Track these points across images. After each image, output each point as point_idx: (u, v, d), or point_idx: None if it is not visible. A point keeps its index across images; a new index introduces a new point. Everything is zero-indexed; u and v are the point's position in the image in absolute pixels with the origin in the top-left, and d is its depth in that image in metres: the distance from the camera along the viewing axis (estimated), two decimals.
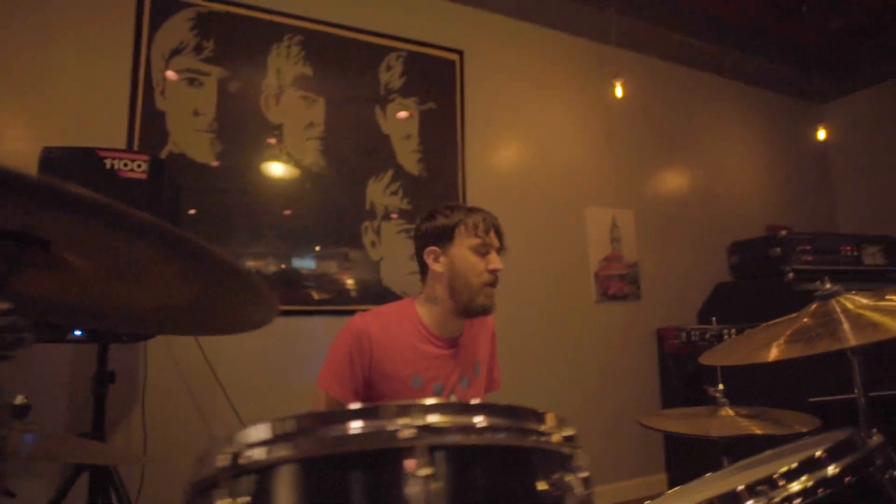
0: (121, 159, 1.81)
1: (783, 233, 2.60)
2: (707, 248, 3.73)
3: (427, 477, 0.42)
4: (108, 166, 1.79)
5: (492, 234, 1.44)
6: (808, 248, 2.31)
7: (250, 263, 2.60)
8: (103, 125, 2.34)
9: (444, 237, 1.43)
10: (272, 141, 2.69)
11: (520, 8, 3.38)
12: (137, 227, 0.52)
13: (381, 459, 0.45)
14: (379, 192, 2.91)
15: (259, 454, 0.46)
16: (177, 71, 2.54)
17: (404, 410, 0.45)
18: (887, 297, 0.93)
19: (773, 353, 0.94)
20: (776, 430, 1.16)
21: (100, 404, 1.81)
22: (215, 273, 0.59)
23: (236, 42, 2.67)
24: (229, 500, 0.45)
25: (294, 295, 2.65)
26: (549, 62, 3.52)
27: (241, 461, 0.47)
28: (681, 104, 3.98)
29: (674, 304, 3.53)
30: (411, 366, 1.40)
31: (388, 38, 3.03)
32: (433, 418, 0.45)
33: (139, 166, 1.84)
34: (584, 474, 0.53)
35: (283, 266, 2.65)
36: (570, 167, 3.49)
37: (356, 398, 1.36)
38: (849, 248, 2.40)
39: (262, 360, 2.51)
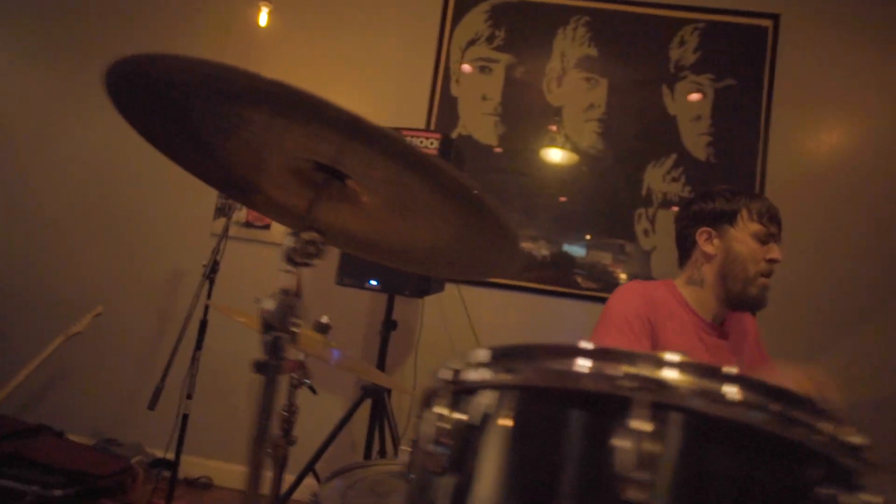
0: (418, 137, 2.09)
1: None
2: None
3: (641, 433, 0.36)
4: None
5: (776, 225, 1.33)
6: None
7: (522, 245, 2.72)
8: (410, 108, 2.73)
9: (722, 219, 1.34)
10: (552, 127, 2.75)
11: None
12: (419, 161, 0.58)
13: (598, 404, 0.40)
14: (658, 178, 2.71)
15: (478, 375, 0.47)
16: (470, 60, 2.78)
17: (636, 359, 0.40)
18: None
19: None
20: None
21: (384, 345, 2.14)
22: (477, 213, 0.63)
23: (525, 29, 2.80)
24: (446, 410, 0.47)
25: (560, 278, 2.67)
26: (889, 20, 2.73)
27: (461, 377, 0.48)
28: None
29: None
30: (683, 346, 1.30)
31: (685, 9, 2.77)
32: (669, 374, 0.38)
33: (432, 144, 2.09)
34: (875, 499, 0.38)
35: (553, 250, 2.69)
36: None
37: None
38: None
39: (520, 331, 2.61)
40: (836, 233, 2.64)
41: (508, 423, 0.44)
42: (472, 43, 2.81)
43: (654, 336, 1.27)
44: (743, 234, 1.32)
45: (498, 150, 2.74)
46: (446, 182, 0.59)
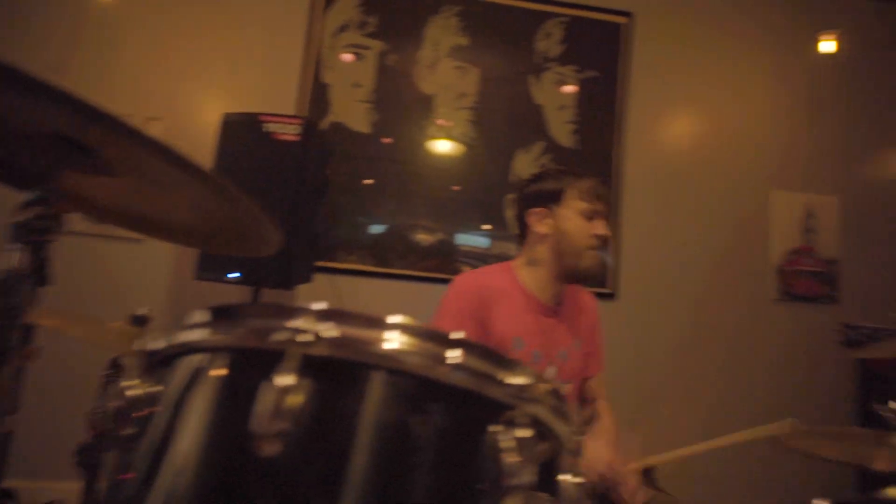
0: (276, 123, 2.02)
1: None
2: None
3: (284, 388, 0.37)
4: (265, 129, 2.01)
5: (601, 202, 1.41)
6: None
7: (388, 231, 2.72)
8: (278, 94, 2.64)
9: (551, 199, 1.41)
10: (424, 112, 2.77)
11: None
12: (147, 144, 0.55)
13: (254, 361, 0.41)
14: (527, 164, 2.82)
15: (190, 336, 0.47)
16: (342, 47, 2.73)
17: (294, 312, 0.40)
18: None
19: None
20: None
21: None
22: (225, 198, 0.62)
23: (397, 16, 2.79)
24: (136, 381, 0.46)
25: (445, 266, 2.69)
26: (735, 18, 3.03)
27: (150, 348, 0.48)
28: None
29: (880, 310, 2.80)
30: (515, 329, 1.36)
31: (549, 3, 2.90)
32: (325, 328, 0.39)
33: (292, 130, 2.03)
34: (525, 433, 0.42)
35: (437, 238, 2.71)
36: (753, 144, 2.98)
37: None
38: None
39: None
40: (685, 216, 2.90)
41: (210, 386, 0.44)
42: (343, 29, 2.76)
43: (485, 322, 1.32)
44: (570, 213, 1.38)
45: (373, 137, 2.72)
46: (180, 164, 0.57)
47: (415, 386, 0.43)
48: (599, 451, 1.24)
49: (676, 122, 3.01)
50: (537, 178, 1.48)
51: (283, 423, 0.36)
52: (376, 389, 0.42)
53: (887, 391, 2.44)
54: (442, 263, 2.70)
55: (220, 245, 0.79)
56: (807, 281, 2.92)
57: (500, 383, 0.42)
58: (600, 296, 2.80)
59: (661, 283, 2.83)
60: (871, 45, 3.10)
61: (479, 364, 0.43)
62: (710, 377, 2.78)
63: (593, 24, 2.94)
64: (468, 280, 1.41)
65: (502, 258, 2.73)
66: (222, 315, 0.44)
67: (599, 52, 2.93)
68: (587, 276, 1.41)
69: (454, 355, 0.43)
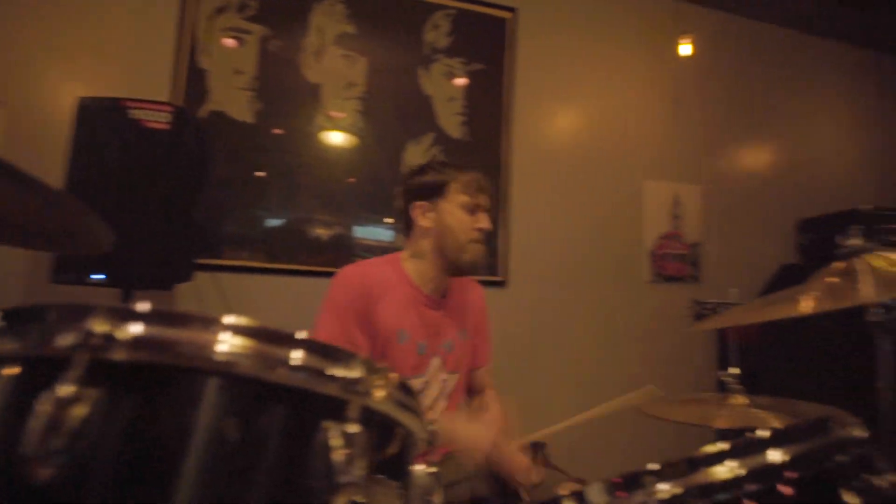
0: (143, 109, 1.86)
1: (866, 207, 2.23)
2: (779, 227, 3.33)
3: (65, 399, 0.33)
4: (131, 116, 1.84)
5: (483, 195, 1.42)
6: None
7: (277, 222, 2.62)
8: (150, 80, 2.43)
9: (434, 193, 1.42)
10: (312, 101, 2.68)
11: None
12: None
13: (38, 370, 0.37)
14: (418, 156, 2.83)
15: None
16: (220, 31, 2.57)
17: (92, 312, 0.36)
18: None
19: (775, 313, 0.78)
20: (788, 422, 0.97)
21: None
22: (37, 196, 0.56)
23: (279, 0, 2.67)
24: None
25: (342, 260, 2.63)
26: (609, 20, 3.25)
27: None
28: (761, 67, 3.53)
29: (735, 288, 3.16)
30: (399, 321, 1.36)
31: None
32: (101, 327, 0.35)
33: (162, 117, 1.88)
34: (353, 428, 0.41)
35: (325, 231, 2.65)
36: (628, 137, 3.22)
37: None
38: None
39: (295, 317, 2.53)
40: (569, 205, 3.06)
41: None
42: (220, 11, 2.59)
43: (369, 316, 1.31)
44: (452, 206, 1.39)
45: (260, 128, 2.59)
46: None
47: (248, 389, 0.41)
48: (482, 433, 1.27)
49: (559, 115, 3.15)
50: (420, 170, 1.48)
51: (58, 441, 0.32)
52: (195, 395, 0.39)
53: (740, 359, 2.76)
54: (340, 257, 2.64)
55: (45, 244, 0.71)
56: (675, 263, 3.20)
57: (332, 378, 0.41)
58: (491, 284, 2.94)
59: (547, 269, 2.97)
60: (724, 50, 3.44)
61: (312, 361, 0.42)
62: (592, 355, 2.97)
63: (479, 17, 3.00)
64: (352, 273, 1.39)
65: (395, 250, 2.73)
66: (13, 318, 0.38)
67: (486, 45, 3.00)
68: (470, 269, 1.43)
69: (285, 355, 0.41)
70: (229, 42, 2.59)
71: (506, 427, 1.38)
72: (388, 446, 0.45)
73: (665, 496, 0.46)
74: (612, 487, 0.50)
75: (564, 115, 3.17)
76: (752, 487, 0.47)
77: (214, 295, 2.36)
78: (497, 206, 2.89)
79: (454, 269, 1.42)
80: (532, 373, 2.78)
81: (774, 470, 0.48)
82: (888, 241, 2.05)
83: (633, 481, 0.49)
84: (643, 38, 3.28)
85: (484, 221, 1.42)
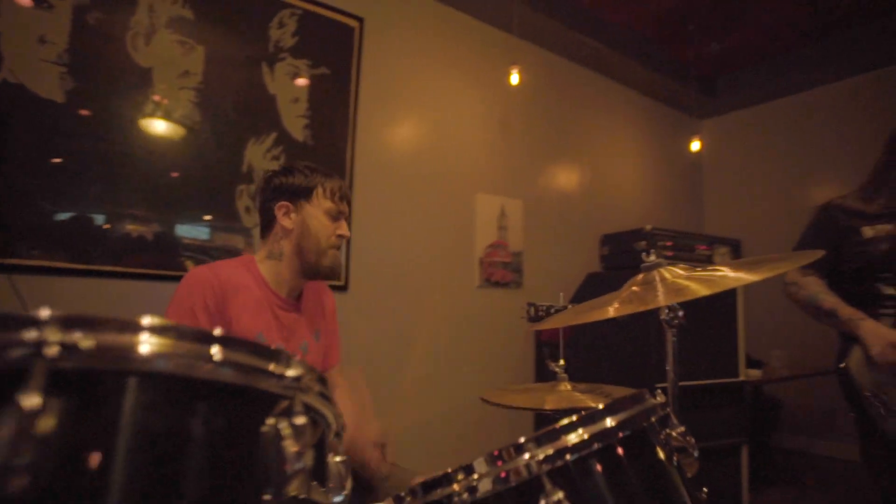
0: None
1: (649, 227, 2.76)
2: (586, 242, 3.90)
3: (31, 411, 0.32)
4: None
5: (345, 204, 1.47)
6: (669, 243, 2.47)
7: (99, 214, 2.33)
8: None
9: (299, 195, 1.42)
10: (139, 86, 2.43)
11: None
12: None
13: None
14: (259, 156, 2.74)
15: None
16: None
17: (29, 322, 0.35)
18: (700, 270, 0.99)
19: (595, 316, 0.96)
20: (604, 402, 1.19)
21: None
22: None
23: None
24: None
25: (166, 262, 2.41)
26: (450, 43, 3.50)
27: None
28: (573, 101, 4.12)
29: (551, 293, 3.63)
30: (256, 323, 1.33)
31: None
32: (75, 337, 0.36)
33: None
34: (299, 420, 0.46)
35: (142, 229, 2.41)
36: (464, 152, 3.49)
37: None
38: (703, 247, 2.59)
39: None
40: (408, 213, 3.21)
41: None
42: None
43: (223, 318, 1.28)
44: (317, 211, 1.41)
45: (69, 108, 2.27)
46: None
47: (179, 388, 0.42)
48: (369, 424, 1.33)
49: (401, 127, 3.29)
50: (287, 171, 1.46)
51: (29, 451, 0.31)
52: (134, 398, 0.39)
53: (553, 354, 3.16)
54: (161, 258, 2.43)
55: None
56: (501, 270, 3.55)
57: (273, 375, 0.45)
58: (333, 288, 2.95)
59: (387, 274, 3.08)
60: (546, 83, 3.92)
61: (245, 358, 0.45)
62: (429, 355, 3.16)
63: (327, 21, 3.01)
64: (204, 273, 1.32)
65: (227, 251, 2.60)
66: None
67: (332, 50, 3.01)
68: (327, 274, 1.44)
69: (216, 352, 0.43)
70: (27, 2, 2.23)
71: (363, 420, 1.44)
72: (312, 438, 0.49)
73: (544, 455, 0.58)
74: (493, 459, 0.60)
75: (406, 127, 3.31)
76: (596, 446, 0.61)
77: (10, 298, 2.02)
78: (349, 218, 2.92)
79: (312, 272, 1.43)
80: (373, 373, 2.86)
81: (610, 432, 0.63)
82: (667, 256, 2.59)
83: (516, 450, 0.60)
84: (478, 64, 3.59)
85: (344, 229, 1.46)
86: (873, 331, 1.64)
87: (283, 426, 0.44)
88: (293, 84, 2.87)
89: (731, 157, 4.81)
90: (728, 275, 0.94)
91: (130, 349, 0.40)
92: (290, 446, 0.43)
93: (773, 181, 4.45)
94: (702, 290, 0.89)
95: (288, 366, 0.46)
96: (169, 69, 2.51)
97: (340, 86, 3.03)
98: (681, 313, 1.02)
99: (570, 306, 1.45)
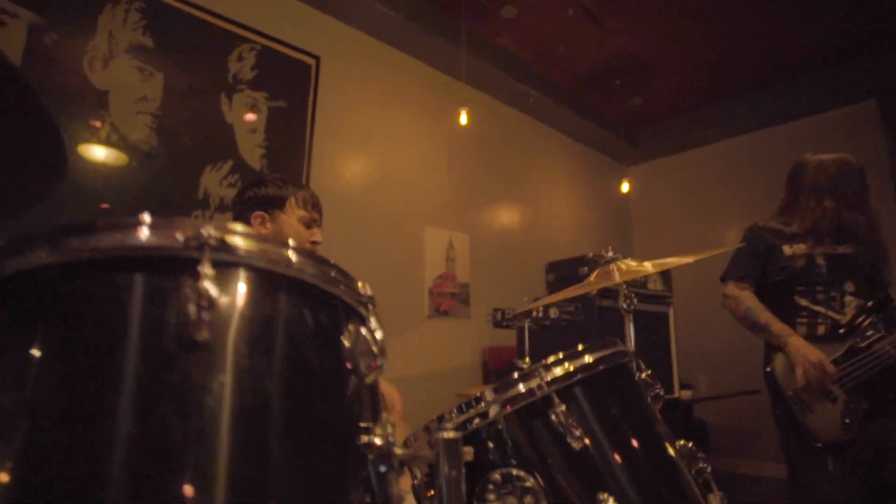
0: None
1: (591, 254, 2.99)
2: (528, 273, 4.11)
3: (204, 286, 0.42)
4: None
5: (317, 211, 1.56)
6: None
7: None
8: None
9: (274, 204, 1.49)
10: (95, 123, 2.43)
11: (379, 28, 3.52)
12: None
13: (162, 267, 0.44)
14: (215, 182, 2.76)
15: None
16: None
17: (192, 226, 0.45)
18: (647, 262, 1.17)
19: (559, 296, 1.10)
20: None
21: None
22: None
23: None
24: None
25: None
26: (402, 84, 3.70)
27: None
28: (516, 144, 4.42)
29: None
30: None
31: (242, 27, 2.96)
32: (229, 237, 0.45)
33: None
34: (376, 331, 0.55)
35: None
36: (413, 187, 3.64)
37: None
38: None
39: None
40: (360, 246, 3.29)
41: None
42: None
43: None
44: (291, 219, 1.48)
45: None
46: None
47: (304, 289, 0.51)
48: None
49: (354, 161, 3.41)
50: (260, 183, 1.53)
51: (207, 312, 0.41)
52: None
53: (500, 374, 3.28)
54: None
55: None
56: (449, 300, 3.66)
57: (351, 289, 0.55)
58: None
59: None
60: (491, 125, 4.19)
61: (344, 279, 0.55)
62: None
63: (285, 58, 3.13)
64: None
65: None
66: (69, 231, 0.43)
67: (290, 84, 3.13)
68: None
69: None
70: None
71: None
72: None
73: (552, 377, 0.69)
74: (500, 388, 0.71)
75: (358, 162, 3.44)
76: (580, 377, 0.73)
77: None
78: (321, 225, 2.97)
79: None
80: None
81: (590, 366, 0.75)
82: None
83: (525, 377, 0.71)
84: (428, 106, 3.81)
85: (318, 235, 1.53)
86: (798, 349, 1.84)
87: (364, 329, 0.52)
88: (251, 115, 2.94)
89: (657, 196, 5.31)
90: (667, 260, 1.13)
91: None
92: (372, 345, 0.52)
93: (693, 218, 4.92)
94: (650, 270, 1.06)
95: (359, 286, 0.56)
96: (127, 93, 2.53)
97: (297, 119, 3.13)
98: (636, 300, 1.18)
99: (532, 302, 1.58)
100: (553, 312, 1.65)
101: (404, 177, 3.61)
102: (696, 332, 4.30)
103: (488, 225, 4.07)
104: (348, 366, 0.51)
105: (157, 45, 2.64)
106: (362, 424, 0.49)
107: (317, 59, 3.25)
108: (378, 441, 0.48)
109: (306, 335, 0.49)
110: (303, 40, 3.19)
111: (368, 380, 0.52)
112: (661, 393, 0.83)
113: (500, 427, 0.70)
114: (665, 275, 3.00)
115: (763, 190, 3.45)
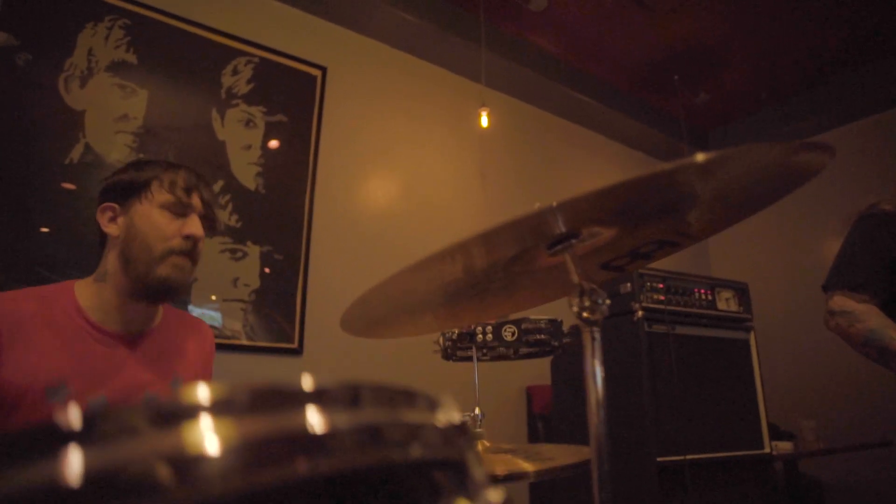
0: None
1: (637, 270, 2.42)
2: None
3: None
4: None
5: (195, 195, 1.10)
6: (660, 286, 2.13)
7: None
8: None
9: (130, 193, 1.08)
10: (67, 128, 2.25)
11: (392, 33, 3.21)
12: None
13: None
14: None
15: None
16: None
17: None
18: None
19: None
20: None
21: None
22: None
23: (43, 12, 2.28)
24: None
25: None
26: (417, 92, 3.35)
27: None
28: (557, 152, 3.90)
29: None
30: (50, 371, 0.96)
31: (238, 40, 2.74)
32: None
33: None
34: None
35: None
36: (436, 207, 3.23)
37: None
38: (703, 290, 2.23)
39: None
40: (370, 271, 2.90)
41: None
42: None
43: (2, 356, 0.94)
44: (149, 208, 1.07)
45: None
46: None
47: None
48: None
49: (371, 179, 3.07)
50: (121, 169, 1.14)
51: None
52: None
53: (546, 425, 2.73)
54: None
55: None
56: None
57: None
58: (284, 351, 2.60)
59: (347, 339, 2.70)
60: (534, 128, 3.74)
61: None
62: None
63: (286, 69, 2.88)
64: None
65: None
66: None
67: (292, 98, 2.86)
68: (167, 289, 1.07)
69: None
70: None
71: None
72: None
73: None
74: None
75: (375, 179, 3.10)
76: None
77: None
78: (296, 266, 2.64)
79: (143, 288, 1.05)
80: None
81: None
82: (658, 300, 2.23)
83: None
84: (449, 115, 3.43)
85: (194, 227, 1.08)
86: None
87: None
88: (245, 130, 2.69)
89: None
90: None
91: None
92: None
93: (772, 233, 4.16)
94: None
95: None
96: (105, 112, 2.34)
97: (299, 134, 2.85)
98: (608, 302, 0.69)
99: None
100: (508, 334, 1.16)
101: (427, 193, 3.22)
102: (790, 362, 3.51)
103: None
104: None
105: (141, 62, 2.46)
106: None
107: (323, 69, 2.98)
108: None
109: None
110: (307, 51, 2.94)
111: None
112: None
113: None
114: (742, 293, 2.36)
115: (862, 192, 2.71)
